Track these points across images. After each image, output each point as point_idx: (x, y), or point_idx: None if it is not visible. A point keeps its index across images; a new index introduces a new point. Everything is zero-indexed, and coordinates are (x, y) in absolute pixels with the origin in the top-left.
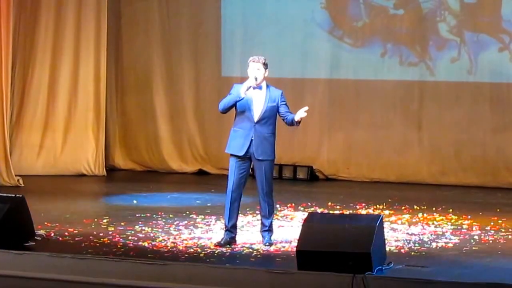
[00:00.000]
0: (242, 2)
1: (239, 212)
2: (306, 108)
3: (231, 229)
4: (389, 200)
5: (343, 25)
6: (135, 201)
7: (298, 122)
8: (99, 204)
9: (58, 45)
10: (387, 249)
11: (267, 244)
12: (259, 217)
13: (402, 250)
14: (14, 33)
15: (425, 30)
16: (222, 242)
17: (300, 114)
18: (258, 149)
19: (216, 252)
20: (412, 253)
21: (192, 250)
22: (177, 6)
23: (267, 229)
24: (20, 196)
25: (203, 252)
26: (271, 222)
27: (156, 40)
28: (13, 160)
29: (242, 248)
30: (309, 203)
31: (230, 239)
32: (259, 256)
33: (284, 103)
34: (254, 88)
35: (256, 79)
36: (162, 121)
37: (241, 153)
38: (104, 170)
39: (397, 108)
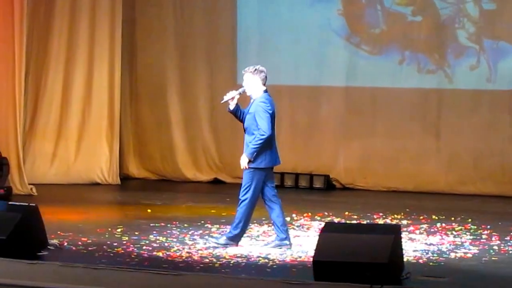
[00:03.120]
0: (258, 9)
1: (278, 218)
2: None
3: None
4: (407, 209)
5: (360, 32)
6: (149, 210)
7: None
8: (113, 213)
9: (71, 52)
10: (405, 259)
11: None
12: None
13: (420, 260)
14: (27, 41)
15: (444, 37)
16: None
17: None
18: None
19: (232, 262)
20: (430, 264)
21: (207, 260)
22: (192, 13)
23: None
24: (33, 205)
25: (218, 262)
26: (234, 225)
27: (170, 48)
28: (26, 168)
29: (258, 259)
30: (325, 213)
31: (278, 244)
32: (275, 266)
33: (257, 114)
34: (251, 99)
35: (239, 93)
36: (177, 129)
37: None
38: (118, 179)
39: (415, 116)
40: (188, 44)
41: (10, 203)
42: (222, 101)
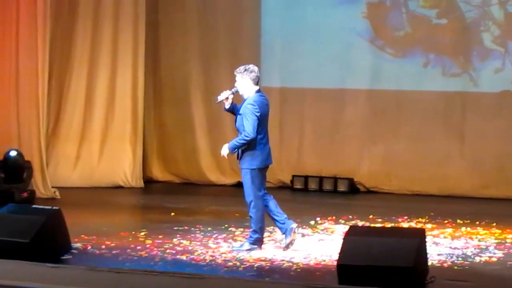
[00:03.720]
0: (282, 12)
1: (272, 216)
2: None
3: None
4: (431, 213)
5: (384, 34)
6: (172, 214)
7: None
8: (136, 217)
9: (95, 56)
10: (430, 263)
11: (242, 248)
12: (299, 230)
13: (445, 265)
14: (51, 44)
15: (469, 40)
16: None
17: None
18: (240, 158)
19: (256, 265)
20: (455, 268)
21: (231, 263)
22: (216, 16)
23: (250, 234)
24: (57, 208)
25: (242, 266)
26: (253, 231)
27: (194, 51)
28: (49, 171)
29: (282, 262)
30: (350, 216)
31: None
32: (299, 270)
33: (244, 116)
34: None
35: (232, 93)
36: (200, 132)
37: None
38: (142, 182)
39: (439, 119)
40: (211, 47)
41: (33, 206)
42: (217, 101)
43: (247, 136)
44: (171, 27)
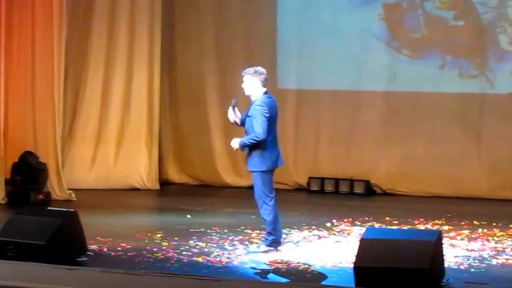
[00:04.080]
0: (298, 13)
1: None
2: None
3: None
4: (448, 215)
5: (401, 36)
6: (188, 216)
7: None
8: (152, 219)
9: (111, 57)
10: (446, 265)
11: (258, 250)
12: (315, 232)
13: (461, 267)
14: (66, 45)
15: (485, 42)
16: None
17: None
18: (247, 160)
19: (272, 268)
20: (472, 270)
21: (247, 265)
22: (231, 17)
23: (265, 237)
24: (72, 210)
25: (258, 268)
26: (266, 232)
27: (210, 52)
28: (65, 173)
29: (298, 264)
30: (366, 218)
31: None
32: (315, 272)
33: (254, 117)
34: (251, 101)
35: (233, 107)
36: (216, 134)
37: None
38: (158, 184)
39: (456, 121)
40: (227, 49)
41: (49, 208)
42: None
43: (257, 137)
44: (187, 28)
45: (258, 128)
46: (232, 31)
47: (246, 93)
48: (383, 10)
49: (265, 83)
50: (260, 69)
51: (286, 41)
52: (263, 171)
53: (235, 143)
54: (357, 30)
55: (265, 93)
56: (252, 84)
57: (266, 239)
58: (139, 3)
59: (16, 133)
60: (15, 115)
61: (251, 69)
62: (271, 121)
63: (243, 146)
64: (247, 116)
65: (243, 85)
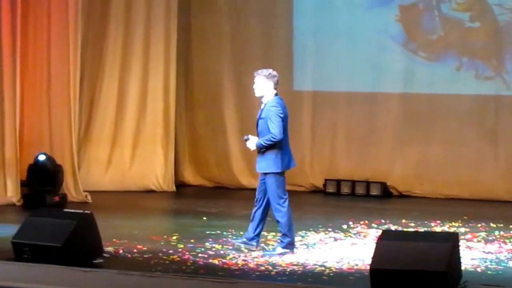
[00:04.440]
0: (314, 14)
1: (263, 218)
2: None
3: (249, 229)
4: (465, 217)
5: (417, 38)
6: (204, 218)
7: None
8: (168, 221)
9: (126, 59)
10: (463, 267)
11: (268, 251)
12: (331, 234)
13: (478, 269)
14: (82, 47)
15: (501, 43)
16: (236, 241)
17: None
18: (258, 162)
19: (288, 270)
20: (489, 272)
21: (263, 268)
22: (247, 18)
23: (280, 239)
24: (88, 212)
25: (274, 270)
26: (282, 235)
27: (226, 54)
28: (81, 175)
29: (314, 267)
30: (382, 220)
31: (244, 241)
32: (331, 274)
33: (269, 118)
34: (262, 102)
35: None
36: (232, 136)
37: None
38: (174, 186)
39: (472, 123)
40: (244, 50)
41: (65, 210)
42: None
43: (274, 138)
44: (203, 30)
45: (274, 129)
46: (248, 33)
47: (258, 94)
48: (399, 11)
49: (276, 86)
50: (273, 71)
51: (302, 43)
52: (277, 173)
53: (252, 144)
54: (373, 31)
55: (276, 94)
56: (265, 86)
57: (282, 241)
58: (155, 4)
59: (32, 135)
60: (31, 116)
61: (265, 71)
62: (284, 122)
63: (260, 147)
64: (260, 118)
65: (254, 86)
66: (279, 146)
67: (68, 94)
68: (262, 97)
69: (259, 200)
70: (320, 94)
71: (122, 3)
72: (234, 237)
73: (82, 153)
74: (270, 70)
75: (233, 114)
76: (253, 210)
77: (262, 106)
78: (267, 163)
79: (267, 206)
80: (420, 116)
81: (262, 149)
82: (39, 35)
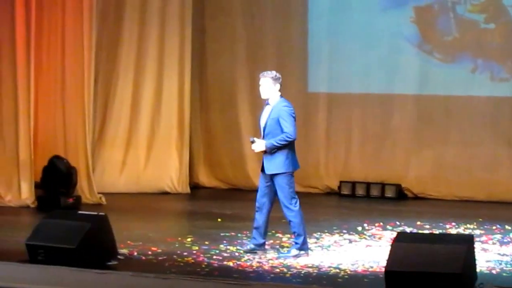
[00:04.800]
0: (329, 16)
1: (267, 222)
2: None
3: (255, 236)
4: (480, 219)
5: (432, 39)
6: (219, 220)
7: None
8: (182, 223)
9: (141, 60)
10: (478, 269)
11: (284, 254)
12: (346, 236)
13: (493, 271)
14: (96, 49)
15: None
16: (243, 248)
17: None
18: (267, 164)
19: (303, 272)
20: (504, 274)
21: (278, 270)
22: (262, 20)
23: (294, 241)
24: (103, 214)
25: (289, 272)
26: (296, 236)
27: (240, 56)
28: (95, 177)
29: (329, 269)
30: (397, 222)
31: (253, 248)
32: (346, 276)
33: (282, 118)
34: (266, 104)
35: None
36: (247, 138)
37: (260, 169)
38: (188, 188)
39: (487, 124)
40: (258, 52)
41: (79, 212)
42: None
43: (289, 137)
44: (217, 32)
45: (288, 128)
46: (263, 35)
47: (264, 96)
48: (414, 13)
49: (281, 88)
50: (278, 74)
51: (317, 45)
52: (290, 173)
53: (260, 146)
54: (388, 33)
55: (281, 96)
56: (273, 88)
57: (296, 242)
58: (170, 7)
59: (46, 137)
60: (45, 118)
61: (271, 73)
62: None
63: (272, 148)
64: (270, 118)
65: (261, 88)
66: (290, 146)
67: (82, 96)
68: (268, 99)
69: (264, 206)
70: (335, 96)
71: (136, 6)
72: (249, 239)
73: (96, 155)
74: (275, 72)
75: (248, 116)
76: (258, 217)
77: (268, 108)
78: (278, 164)
79: (271, 210)
80: (435, 118)
81: (274, 150)
82: (53, 37)
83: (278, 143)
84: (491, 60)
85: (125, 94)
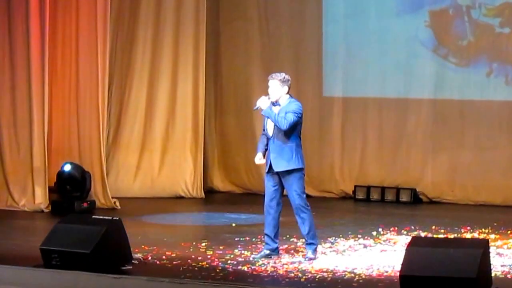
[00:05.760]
0: (344, 20)
1: (278, 225)
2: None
3: (268, 241)
4: (495, 224)
5: (448, 43)
6: (234, 224)
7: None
8: (197, 227)
9: (155, 64)
10: (493, 274)
11: (307, 258)
12: (361, 241)
13: (509, 276)
14: (111, 52)
15: None
16: (257, 256)
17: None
18: (276, 163)
19: (317, 277)
20: None
21: (292, 274)
22: (277, 24)
23: (308, 243)
24: (117, 218)
25: (304, 277)
26: (311, 236)
27: (255, 59)
28: (109, 181)
29: (344, 273)
30: (412, 227)
31: (268, 253)
32: (361, 281)
33: (289, 111)
34: (274, 104)
35: (268, 98)
36: None
37: (266, 169)
38: (203, 192)
39: (503, 128)
40: (273, 56)
41: (93, 216)
42: (255, 108)
43: (285, 122)
44: (232, 35)
45: (290, 118)
46: (278, 39)
47: (273, 98)
48: (429, 17)
49: (289, 90)
50: (287, 75)
51: (332, 49)
52: (301, 169)
53: (264, 103)
54: (403, 37)
55: (291, 96)
56: (282, 90)
57: (312, 243)
58: (184, 10)
59: (61, 141)
60: (59, 123)
61: (279, 75)
62: (300, 125)
63: (269, 113)
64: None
65: (270, 90)
66: (298, 143)
67: (96, 100)
68: (277, 101)
69: (273, 210)
70: (350, 100)
71: (151, 8)
72: (264, 243)
73: (110, 159)
74: (284, 74)
75: (262, 120)
76: (268, 222)
77: (276, 108)
78: (290, 160)
79: (280, 213)
80: (451, 122)
81: (267, 116)
82: (68, 41)
83: (275, 116)
84: (506, 64)
85: (140, 98)
